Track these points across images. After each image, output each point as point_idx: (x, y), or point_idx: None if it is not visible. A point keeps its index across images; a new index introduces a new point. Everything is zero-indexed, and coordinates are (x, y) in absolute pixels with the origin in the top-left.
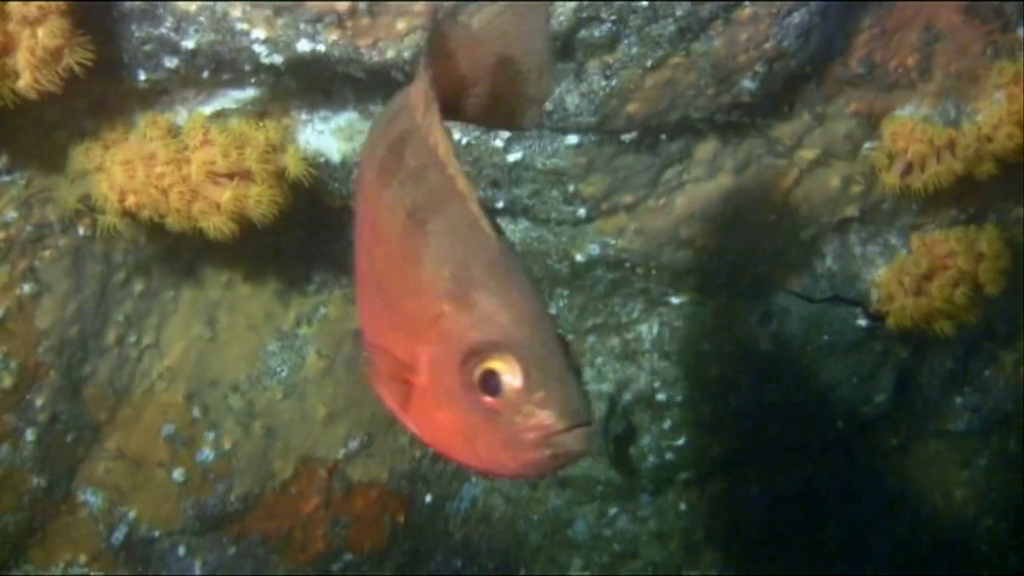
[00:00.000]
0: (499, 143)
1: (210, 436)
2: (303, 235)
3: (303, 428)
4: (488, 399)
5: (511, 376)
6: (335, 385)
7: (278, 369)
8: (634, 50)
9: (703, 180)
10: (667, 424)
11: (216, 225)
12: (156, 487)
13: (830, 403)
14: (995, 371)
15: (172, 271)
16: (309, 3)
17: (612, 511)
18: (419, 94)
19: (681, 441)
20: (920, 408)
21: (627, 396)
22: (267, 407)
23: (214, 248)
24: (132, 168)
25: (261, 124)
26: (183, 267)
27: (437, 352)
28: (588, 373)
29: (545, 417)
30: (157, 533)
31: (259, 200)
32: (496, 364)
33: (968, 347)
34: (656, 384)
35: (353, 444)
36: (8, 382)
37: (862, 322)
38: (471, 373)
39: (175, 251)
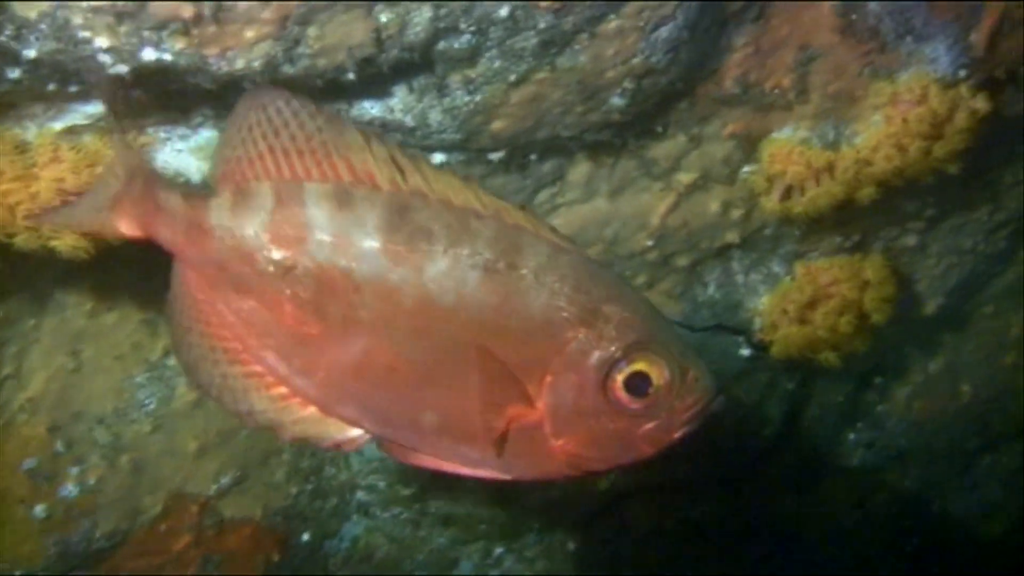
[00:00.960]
0: None
1: (74, 471)
2: (170, 261)
3: (173, 462)
4: (633, 400)
5: (659, 372)
6: (206, 418)
7: (146, 401)
8: (496, 64)
9: (578, 203)
10: None
11: (69, 245)
12: (16, 524)
13: (716, 436)
14: (888, 406)
15: (32, 298)
16: (152, 8)
17: (498, 551)
18: (379, 164)
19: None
20: (811, 443)
21: None
22: (135, 440)
23: (76, 275)
24: None
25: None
26: (44, 294)
27: (566, 377)
28: None
29: (701, 391)
30: (17, 573)
31: None
32: (640, 366)
33: (859, 381)
34: None
35: (225, 480)
36: None
37: (745, 351)
38: (612, 382)
39: (34, 277)
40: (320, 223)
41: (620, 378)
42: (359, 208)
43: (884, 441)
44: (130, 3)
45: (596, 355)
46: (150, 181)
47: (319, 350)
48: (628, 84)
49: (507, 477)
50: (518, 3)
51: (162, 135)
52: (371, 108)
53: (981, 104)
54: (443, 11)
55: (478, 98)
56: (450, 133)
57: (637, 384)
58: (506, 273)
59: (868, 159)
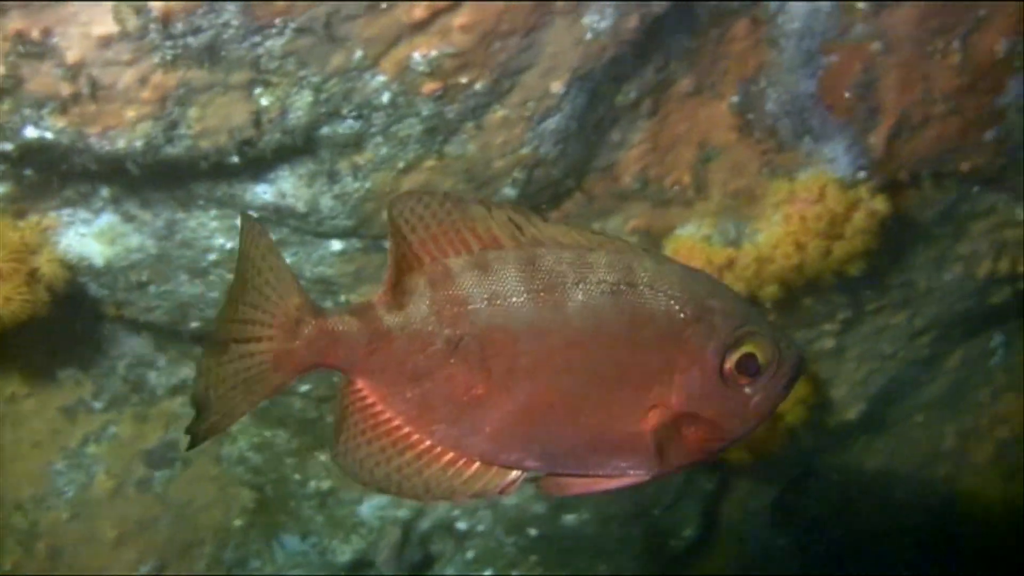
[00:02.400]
0: None
1: None
2: (89, 350)
3: (91, 550)
4: (745, 379)
5: (763, 351)
6: (125, 506)
7: (64, 488)
8: (384, 151)
9: None
10: (470, 555)
11: None
12: None
13: (634, 535)
14: (820, 511)
15: None
16: (30, 86)
17: None
18: (500, 226)
19: (487, 573)
20: (740, 550)
21: (425, 523)
22: (52, 527)
23: None
24: None
25: (18, 224)
26: None
27: (692, 370)
28: (384, 498)
29: (794, 359)
30: None
31: (8, 299)
32: (748, 348)
33: (785, 485)
34: (455, 512)
35: (145, 568)
36: None
37: None
38: (727, 365)
39: None
40: (473, 292)
41: (733, 360)
42: (497, 269)
43: (819, 548)
44: (8, 80)
45: (712, 345)
46: (318, 316)
47: (487, 406)
48: (518, 174)
49: (651, 476)
50: (399, 89)
51: (65, 219)
52: (263, 194)
53: (880, 205)
54: (323, 96)
55: (368, 184)
56: (342, 219)
57: (747, 364)
58: (629, 291)
59: (768, 257)
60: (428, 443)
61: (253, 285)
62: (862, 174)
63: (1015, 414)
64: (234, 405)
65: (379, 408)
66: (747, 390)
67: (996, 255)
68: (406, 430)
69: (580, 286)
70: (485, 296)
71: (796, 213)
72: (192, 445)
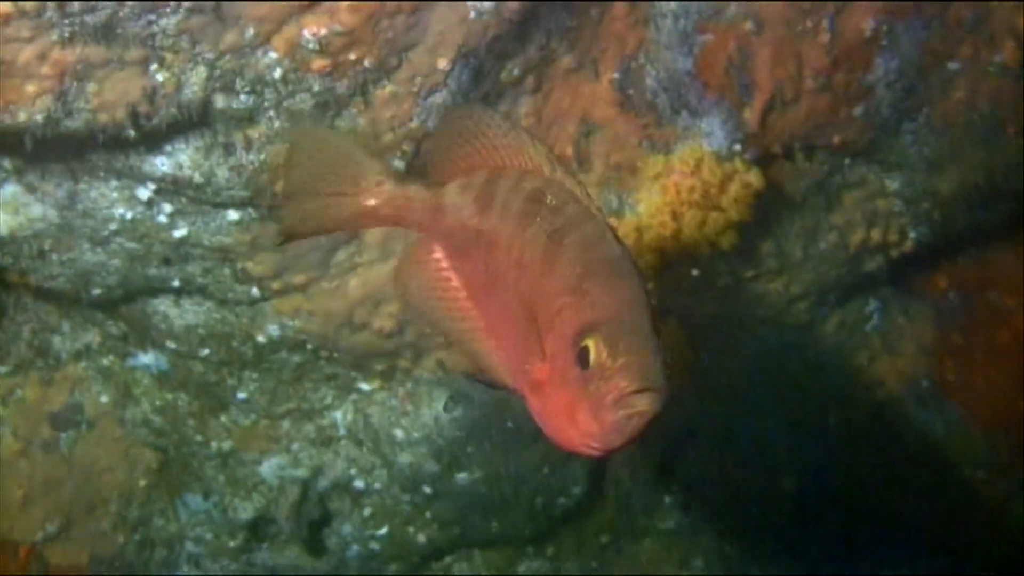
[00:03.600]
0: (163, 219)
1: None
2: None
3: None
4: (583, 371)
5: (598, 350)
6: (32, 467)
7: None
8: (276, 124)
9: (376, 263)
10: (367, 512)
11: None
12: None
13: (525, 493)
14: (702, 470)
15: None
16: None
17: None
18: (541, 158)
19: (383, 531)
20: (624, 505)
21: (323, 482)
22: None
23: None
24: None
25: None
26: None
27: (557, 339)
28: (283, 458)
29: (621, 379)
30: None
31: None
32: (590, 341)
33: (670, 444)
34: (352, 471)
35: (51, 527)
36: None
37: None
38: (576, 351)
39: None
40: (494, 200)
41: (578, 349)
42: (516, 187)
43: (697, 505)
44: None
45: (571, 320)
46: (397, 178)
47: (485, 297)
48: (406, 147)
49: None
50: (290, 66)
51: None
52: (161, 165)
53: (754, 178)
54: (217, 72)
55: (262, 157)
56: (238, 190)
57: (584, 356)
58: (557, 242)
59: (647, 226)
60: (469, 309)
61: (333, 158)
62: (737, 147)
63: (891, 377)
64: (313, 224)
65: (444, 264)
66: (587, 383)
67: (868, 225)
68: (465, 302)
69: (539, 223)
70: (500, 206)
71: (673, 185)
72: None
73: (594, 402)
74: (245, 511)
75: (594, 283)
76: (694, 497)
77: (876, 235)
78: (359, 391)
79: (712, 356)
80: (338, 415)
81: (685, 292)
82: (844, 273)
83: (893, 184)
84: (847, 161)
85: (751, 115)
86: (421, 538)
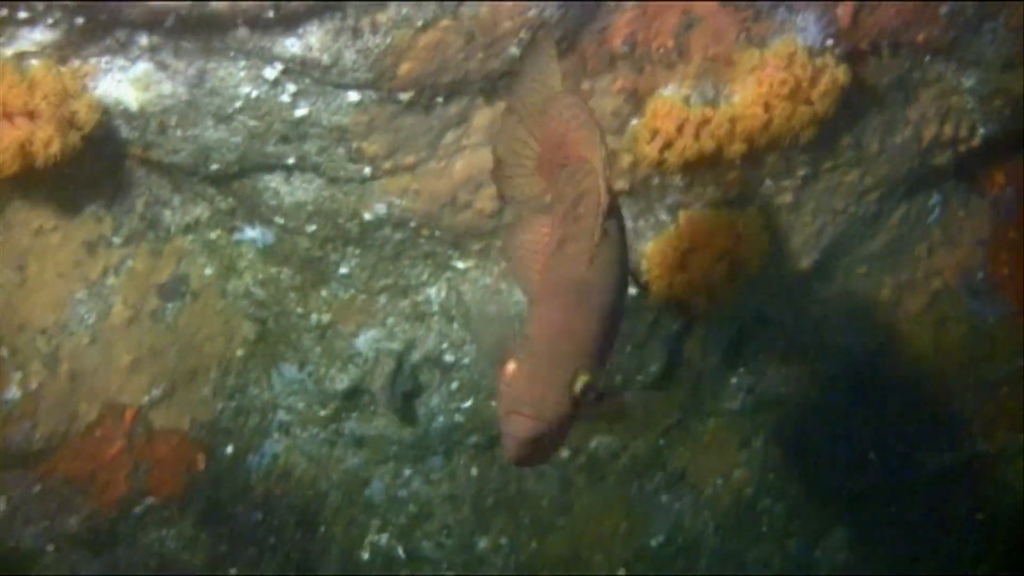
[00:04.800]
0: (286, 98)
1: (17, 375)
2: (111, 188)
3: (108, 374)
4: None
5: (510, 367)
6: (140, 335)
7: (85, 316)
8: (404, 10)
9: (481, 146)
10: (454, 385)
11: (2, 162)
12: None
13: (606, 371)
14: (768, 354)
15: None
16: None
17: (407, 472)
18: (598, 161)
19: (468, 403)
20: (695, 385)
21: (415, 355)
22: (73, 352)
23: (26, 195)
24: None
25: (58, 69)
26: None
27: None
28: (379, 331)
29: (504, 400)
30: None
31: (47, 142)
32: (512, 359)
33: (740, 329)
34: (444, 346)
35: (156, 392)
36: None
37: (633, 290)
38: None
39: None
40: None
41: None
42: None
43: (763, 388)
44: None
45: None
46: None
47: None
48: (524, 35)
49: None
50: None
51: (103, 65)
52: (291, 47)
53: (842, 74)
54: None
55: (388, 40)
56: (362, 72)
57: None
58: (559, 248)
59: (740, 116)
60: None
61: None
62: (829, 43)
63: (947, 268)
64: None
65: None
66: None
67: (941, 120)
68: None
69: (560, 228)
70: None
71: (767, 78)
72: None
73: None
74: (340, 382)
75: (547, 297)
76: (759, 380)
77: (948, 130)
78: (454, 269)
79: (784, 244)
80: (432, 292)
81: (768, 180)
82: (915, 167)
83: (968, 81)
84: (927, 58)
85: (844, 12)
86: None
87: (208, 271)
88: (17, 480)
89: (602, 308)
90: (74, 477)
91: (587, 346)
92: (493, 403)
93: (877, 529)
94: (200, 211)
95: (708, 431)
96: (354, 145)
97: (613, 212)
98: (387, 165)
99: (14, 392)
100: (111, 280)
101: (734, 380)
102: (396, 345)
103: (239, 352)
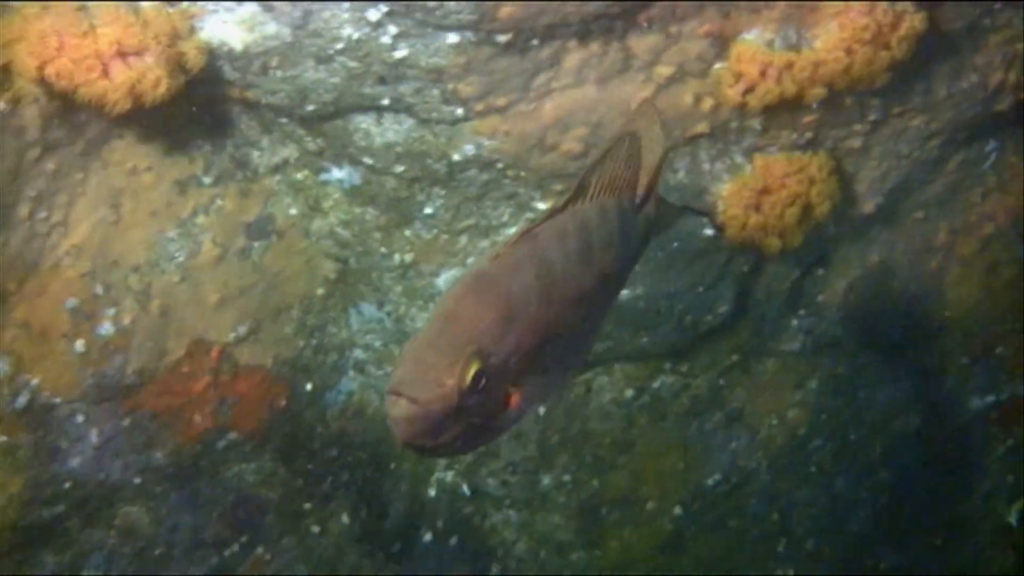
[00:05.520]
0: (387, 40)
1: (110, 312)
2: (204, 128)
3: (196, 311)
4: None
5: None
6: (228, 273)
7: (176, 254)
8: None
9: (570, 88)
10: None
11: (114, 100)
12: (58, 357)
13: (677, 310)
14: (827, 296)
15: (81, 154)
16: None
17: None
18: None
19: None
20: (757, 326)
21: None
22: (164, 289)
23: (121, 135)
24: (48, 39)
25: (168, 10)
26: (92, 150)
27: None
28: (460, 271)
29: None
30: (57, 400)
31: (156, 82)
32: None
33: (803, 270)
34: None
35: (242, 329)
36: None
37: (709, 232)
38: None
39: (84, 134)
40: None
41: None
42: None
43: (822, 328)
44: None
45: None
46: None
47: None
48: None
49: None
50: None
51: (209, 7)
52: None
53: (919, 21)
54: None
55: None
56: (465, 14)
57: None
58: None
59: (821, 61)
60: None
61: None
62: None
63: (1000, 213)
64: None
65: None
66: None
67: (1007, 67)
68: None
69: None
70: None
71: (849, 23)
72: None
73: None
74: (420, 320)
75: (485, 285)
76: (818, 322)
77: (1012, 77)
78: (535, 210)
79: (849, 188)
80: (512, 232)
81: (840, 124)
82: (978, 113)
83: None
84: (997, 5)
85: None
86: None
87: (293, 211)
88: (108, 414)
89: (544, 298)
90: (161, 412)
91: (495, 330)
92: None
93: (920, 470)
94: (288, 152)
95: (767, 372)
96: (449, 87)
97: (612, 213)
98: (479, 107)
99: (107, 328)
100: (200, 219)
101: (794, 322)
102: None
103: (320, 291)
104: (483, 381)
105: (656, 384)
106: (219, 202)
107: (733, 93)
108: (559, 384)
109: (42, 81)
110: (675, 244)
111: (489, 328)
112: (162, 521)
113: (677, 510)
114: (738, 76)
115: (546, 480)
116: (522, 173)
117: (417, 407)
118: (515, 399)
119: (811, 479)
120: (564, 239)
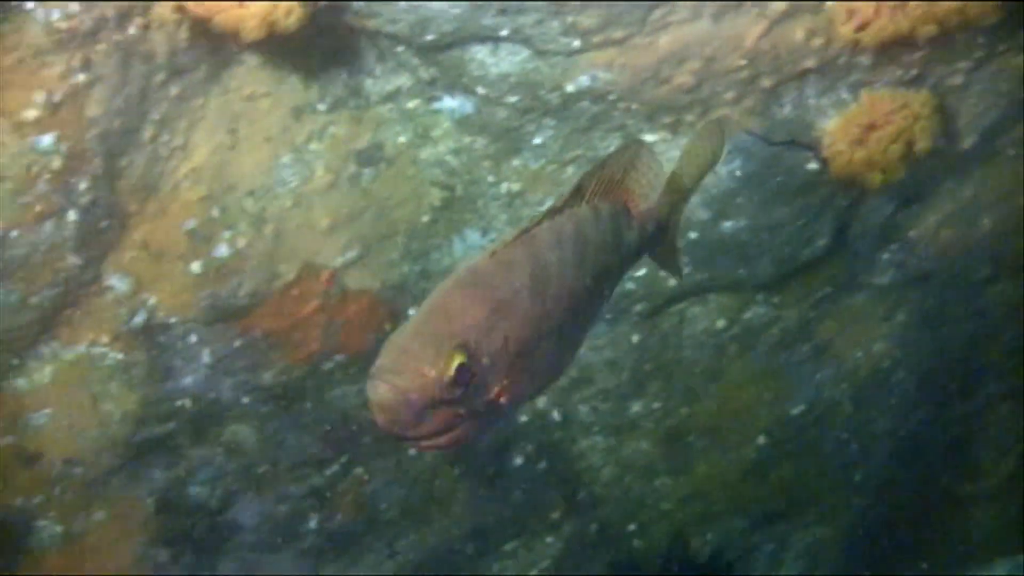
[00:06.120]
0: None
1: (226, 234)
2: (320, 56)
3: (308, 236)
4: None
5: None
6: (339, 199)
7: (289, 180)
8: None
9: (686, 23)
10: None
11: (250, 28)
12: (175, 277)
13: (777, 242)
14: (919, 231)
15: (203, 79)
16: None
17: None
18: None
19: (641, 272)
20: (851, 260)
21: None
22: (277, 213)
23: (242, 61)
24: None
25: None
26: (213, 75)
27: None
28: None
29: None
30: (173, 320)
31: (289, 11)
32: None
33: (897, 205)
34: None
35: (351, 254)
36: (57, 164)
37: (813, 166)
38: None
39: (207, 60)
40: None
41: None
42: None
43: (912, 263)
44: None
45: None
46: None
47: None
48: None
49: None
50: None
51: None
52: None
53: None
54: None
55: None
56: None
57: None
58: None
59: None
60: None
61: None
62: None
63: None
64: None
65: None
66: None
67: None
68: None
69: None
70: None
71: None
72: None
73: None
74: None
75: (477, 281)
76: (908, 257)
77: None
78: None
79: (949, 125)
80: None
81: (946, 61)
82: None
83: None
84: None
85: None
86: (672, 282)
87: (403, 139)
88: (221, 334)
89: (537, 297)
90: (272, 333)
91: (483, 326)
92: (663, 274)
93: (995, 403)
94: (402, 81)
95: (856, 304)
96: (569, 19)
97: (608, 219)
98: (597, 39)
99: (223, 250)
100: (314, 145)
101: (886, 256)
102: None
103: (425, 218)
104: (467, 375)
105: (748, 315)
106: (332, 129)
107: (846, 30)
108: (547, 382)
109: (179, 8)
110: (778, 178)
111: (477, 323)
112: (268, 440)
113: (761, 439)
114: (851, 13)
115: (636, 407)
116: (634, 105)
117: (396, 394)
118: (502, 395)
119: (892, 411)
120: (561, 241)
